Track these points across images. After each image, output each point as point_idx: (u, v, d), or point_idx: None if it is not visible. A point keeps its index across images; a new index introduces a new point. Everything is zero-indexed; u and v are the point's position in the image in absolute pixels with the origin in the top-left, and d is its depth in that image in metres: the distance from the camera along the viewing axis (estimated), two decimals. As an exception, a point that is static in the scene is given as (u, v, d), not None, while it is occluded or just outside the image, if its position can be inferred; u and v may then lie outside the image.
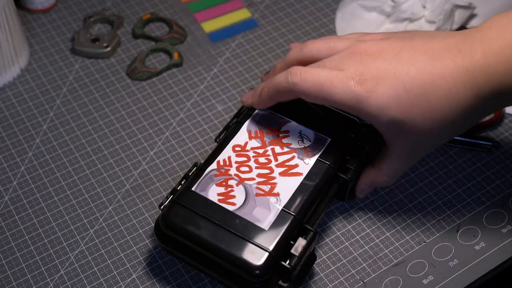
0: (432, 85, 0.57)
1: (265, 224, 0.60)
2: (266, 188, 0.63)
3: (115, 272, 0.66)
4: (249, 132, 0.67)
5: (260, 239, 0.59)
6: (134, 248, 0.68)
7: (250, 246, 0.59)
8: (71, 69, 0.83)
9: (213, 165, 0.64)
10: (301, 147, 0.65)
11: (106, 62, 0.84)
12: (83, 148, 0.76)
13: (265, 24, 0.88)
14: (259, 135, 0.66)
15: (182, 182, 0.64)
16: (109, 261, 0.67)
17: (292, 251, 0.59)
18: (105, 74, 0.83)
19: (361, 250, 0.67)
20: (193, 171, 0.65)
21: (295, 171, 0.64)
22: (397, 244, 0.68)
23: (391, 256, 0.67)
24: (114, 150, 0.76)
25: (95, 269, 0.66)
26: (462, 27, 0.83)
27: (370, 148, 0.67)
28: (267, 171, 0.64)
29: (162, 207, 0.63)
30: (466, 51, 0.57)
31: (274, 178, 0.63)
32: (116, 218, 0.70)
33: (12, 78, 0.82)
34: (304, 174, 0.63)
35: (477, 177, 0.72)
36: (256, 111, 0.68)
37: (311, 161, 0.64)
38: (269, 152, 0.65)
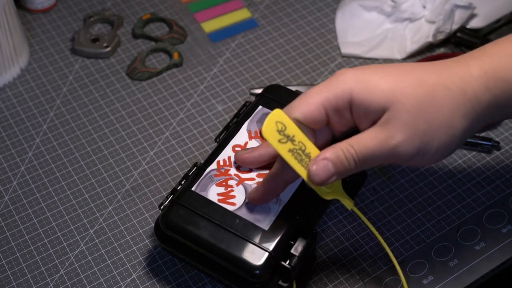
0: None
1: (265, 224, 0.60)
2: (266, 188, 0.63)
3: (115, 272, 0.66)
4: (249, 132, 0.67)
5: (260, 239, 0.59)
6: (134, 248, 0.68)
7: (250, 246, 0.59)
8: (71, 69, 0.83)
9: (213, 165, 0.64)
10: (301, 147, 0.65)
11: (106, 62, 0.84)
12: (83, 148, 0.76)
13: (265, 24, 0.88)
14: (259, 135, 0.66)
15: (182, 182, 0.64)
16: (109, 261, 0.67)
17: (292, 251, 0.59)
18: (105, 74, 0.83)
19: (361, 250, 0.67)
20: (193, 171, 0.65)
21: (295, 171, 0.64)
22: (397, 244, 0.67)
23: (391, 256, 0.67)
24: (114, 150, 0.76)
25: (95, 269, 0.66)
26: (462, 27, 0.83)
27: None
28: (267, 171, 0.64)
29: (162, 207, 0.63)
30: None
31: (274, 178, 0.63)
32: (116, 218, 0.70)
33: (12, 78, 0.82)
34: (304, 174, 0.63)
35: (477, 177, 0.72)
36: (256, 110, 0.68)
37: (311, 161, 0.64)
38: (269, 152, 0.65)
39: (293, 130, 0.56)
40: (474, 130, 0.57)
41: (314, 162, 0.55)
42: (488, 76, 0.55)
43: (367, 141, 0.55)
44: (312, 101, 0.56)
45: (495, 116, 0.57)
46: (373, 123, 0.56)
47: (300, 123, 0.57)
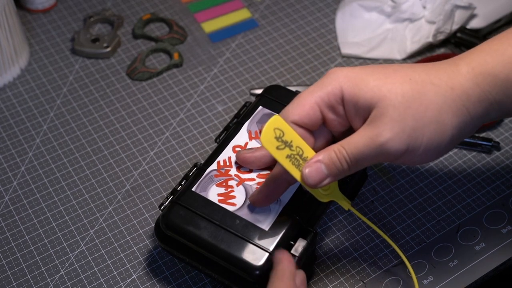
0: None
1: (265, 224, 0.60)
2: (266, 188, 0.63)
3: (115, 272, 0.66)
4: (249, 132, 0.67)
5: (261, 240, 0.59)
6: (134, 248, 0.68)
7: (250, 247, 0.59)
8: (71, 69, 0.83)
9: (213, 166, 0.64)
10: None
11: (106, 62, 0.84)
12: (83, 149, 0.76)
13: (265, 24, 0.88)
14: (259, 135, 0.66)
15: (182, 183, 0.64)
16: (109, 261, 0.67)
17: (293, 251, 0.59)
18: (105, 74, 0.83)
19: (361, 250, 0.67)
20: (193, 172, 0.65)
21: (295, 172, 0.64)
22: (397, 244, 0.67)
23: (391, 256, 0.67)
24: (114, 151, 0.76)
25: (95, 269, 0.66)
26: (462, 28, 0.83)
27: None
28: (267, 171, 0.64)
29: (162, 207, 0.63)
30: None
31: (274, 178, 0.63)
32: (116, 218, 0.70)
33: (12, 78, 0.82)
34: (304, 175, 0.63)
35: (477, 177, 0.72)
36: (256, 111, 0.68)
37: (311, 161, 0.64)
38: (269, 153, 0.65)
39: (291, 135, 0.56)
40: (468, 129, 0.56)
41: (307, 165, 0.56)
42: (476, 72, 0.55)
43: (357, 140, 0.55)
44: (306, 101, 0.57)
45: (491, 114, 0.57)
46: (364, 121, 0.56)
47: (297, 126, 0.57)
